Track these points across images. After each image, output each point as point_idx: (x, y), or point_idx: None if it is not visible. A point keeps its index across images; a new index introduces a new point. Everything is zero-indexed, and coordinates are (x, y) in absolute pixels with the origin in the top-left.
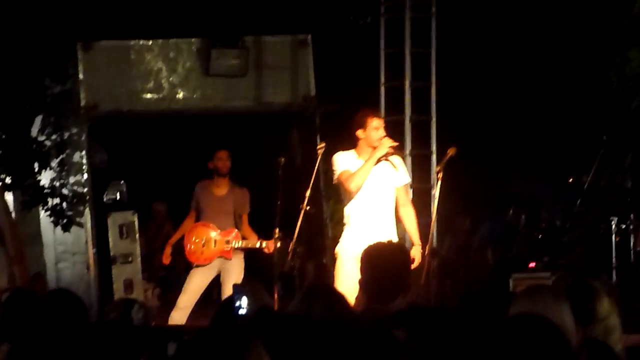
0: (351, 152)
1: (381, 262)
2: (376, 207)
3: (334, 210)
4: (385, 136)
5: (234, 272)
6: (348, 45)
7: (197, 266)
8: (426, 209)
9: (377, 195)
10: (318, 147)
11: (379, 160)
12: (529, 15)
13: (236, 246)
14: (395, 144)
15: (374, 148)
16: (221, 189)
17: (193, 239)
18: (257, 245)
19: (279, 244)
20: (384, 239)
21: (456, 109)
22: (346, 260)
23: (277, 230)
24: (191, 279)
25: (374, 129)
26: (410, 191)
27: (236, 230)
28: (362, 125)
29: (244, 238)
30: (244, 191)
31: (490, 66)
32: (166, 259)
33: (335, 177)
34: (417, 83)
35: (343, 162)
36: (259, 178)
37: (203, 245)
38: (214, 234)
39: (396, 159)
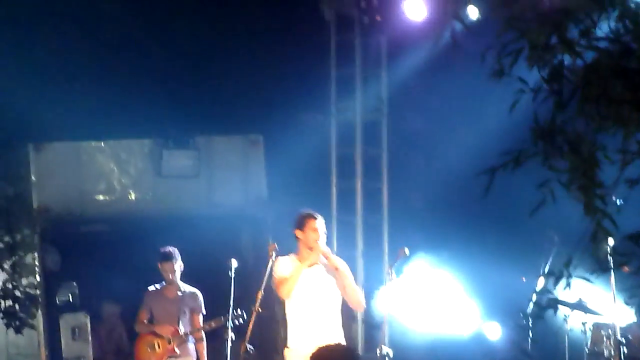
0: (290, 256)
1: None
2: (317, 308)
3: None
4: (320, 238)
5: None
6: (300, 145)
7: None
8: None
9: (316, 297)
10: (269, 247)
11: (314, 264)
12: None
13: (179, 342)
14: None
15: (311, 249)
16: (171, 292)
17: (140, 349)
18: (198, 329)
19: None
20: (327, 339)
21: (408, 209)
22: None
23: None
24: None
25: (312, 230)
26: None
27: (173, 327)
28: (301, 226)
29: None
30: (195, 293)
31: (440, 163)
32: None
33: (273, 282)
34: (369, 183)
35: (280, 267)
36: (211, 278)
37: (148, 351)
38: (156, 338)
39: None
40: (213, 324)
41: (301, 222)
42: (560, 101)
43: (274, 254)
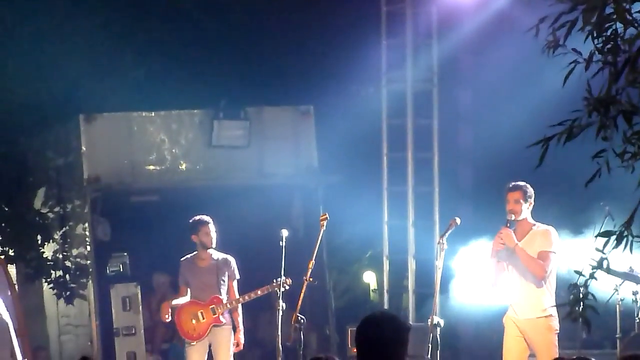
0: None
1: (375, 334)
2: None
3: (337, 282)
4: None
5: (223, 342)
6: (350, 116)
7: (191, 344)
8: (430, 278)
9: None
10: (321, 218)
11: None
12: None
13: (223, 310)
14: None
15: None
16: (205, 261)
17: (183, 320)
18: (242, 300)
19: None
20: None
21: (459, 180)
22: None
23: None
24: (189, 357)
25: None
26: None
27: (217, 296)
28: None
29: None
30: (228, 259)
31: (490, 135)
32: (165, 316)
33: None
34: (420, 154)
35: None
36: (262, 249)
37: (193, 322)
38: (200, 308)
39: None
40: (259, 292)
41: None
42: (614, 71)
43: (324, 224)
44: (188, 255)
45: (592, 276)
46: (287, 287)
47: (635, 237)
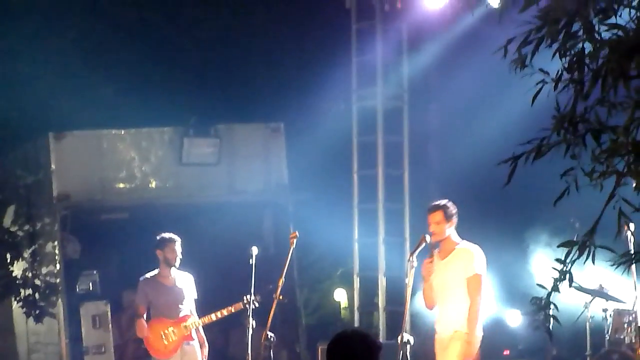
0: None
1: (346, 353)
2: None
3: (307, 299)
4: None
5: (194, 359)
6: (321, 133)
7: None
8: (400, 296)
9: None
10: (291, 235)
11: None
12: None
13: (195, 327)
14: None
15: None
16: (168, 279)
17: (152, 338)
18: (214, 317)
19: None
20: None
21: (429, 197)
22: None
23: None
24: None
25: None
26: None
27: (188, 314)
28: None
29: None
30: (190, 277)
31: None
32: (143, 332)
33: None
34: (390, 171)
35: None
36: (233, 266)
37: (164, 339)
38: (170, 325)
39: None
40: (230, 310)
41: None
42: (580, 89)
43: (294, 242)
44: (147, 275)
45: (554, 289)
46: (257, 305)
47: (598, 247)
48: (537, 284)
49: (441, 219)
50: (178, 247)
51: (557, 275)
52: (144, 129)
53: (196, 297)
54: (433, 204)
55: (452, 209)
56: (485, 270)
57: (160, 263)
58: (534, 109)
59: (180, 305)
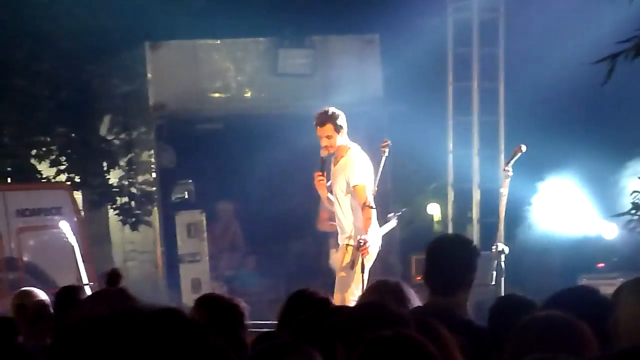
0: None
1: (446, 254)
2: None
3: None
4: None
5: None
6: (416, 45)
7: None
8: (494, 208)
9: None
10: (382, 144)
11: None
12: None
13: None
14: None
15: None
16: None
17: None
18: None
19: None
20: None
21: (524, 110)
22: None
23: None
24: None
25: None
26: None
27: None
28: None
29: None
30: None
31: (557, 66)
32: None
33: None
34: (485, 83)
35: None
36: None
37: None
38: None
39: None
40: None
41: None
42: None
43: (386, 150)
44: None
45: None
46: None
47: None
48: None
49: (332, 130)
50: None
51: None
52: (240, 39)
53: None
54: (317, 115)
55: (338, 115)
56: (366, 178)
57: None
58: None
59: None
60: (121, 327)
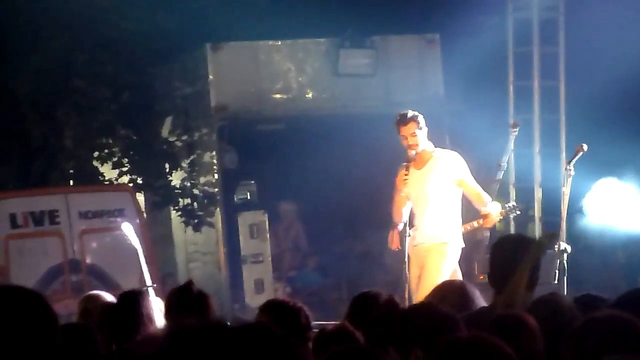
0: None
1: (510, 255)
2: None
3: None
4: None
5: None
6: (476, 44)
7: None
8: (556, 207)
9: None
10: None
11: None
12: None
13: None
14: None
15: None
16: None
17: None
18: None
19: None
20: None
21: (585, 108)
22: None
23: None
24: None
25: None
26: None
27: None
28: None
29: None
30: None
31: (619, 63)
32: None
33: None
34: (546, 82)
35: None
36: (388, 177)
37: None
38: None
39: None
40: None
41: None
42: None
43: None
44: None
45: None
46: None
47: None
48: None
49: (415, 128)
50: None
51: None
52: (300, 40)
53: None
54: (401, 114)
55: (419, 116)
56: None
57: None
58: None
59: None
60: (215, 342)
